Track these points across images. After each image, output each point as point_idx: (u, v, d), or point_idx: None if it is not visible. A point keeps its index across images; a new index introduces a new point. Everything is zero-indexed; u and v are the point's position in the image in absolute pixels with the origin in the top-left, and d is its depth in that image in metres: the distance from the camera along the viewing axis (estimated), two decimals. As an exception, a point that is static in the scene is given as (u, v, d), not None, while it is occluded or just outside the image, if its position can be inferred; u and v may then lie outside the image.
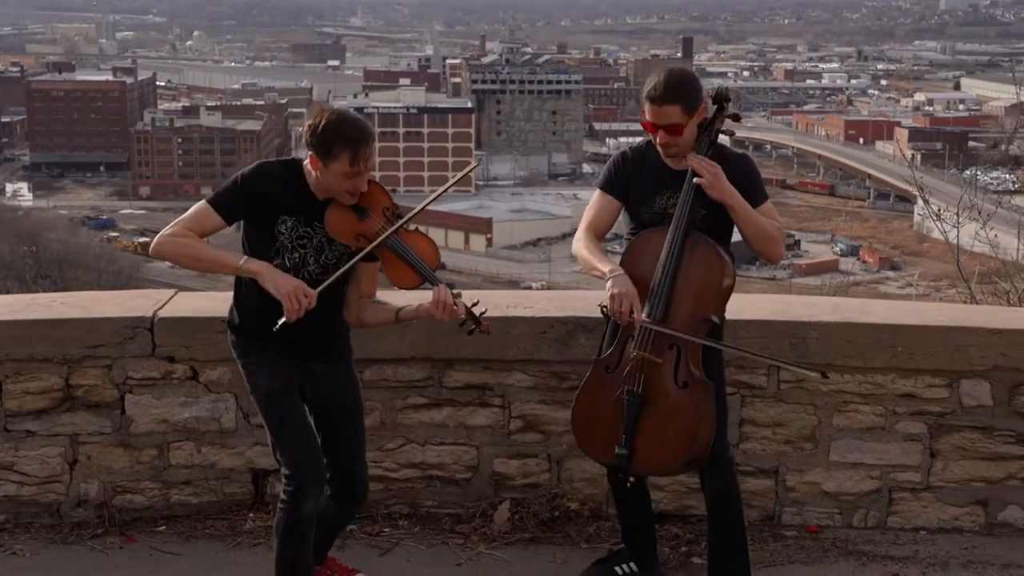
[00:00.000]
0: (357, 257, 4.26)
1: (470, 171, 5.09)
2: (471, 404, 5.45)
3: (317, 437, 4.41)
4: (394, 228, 4.25)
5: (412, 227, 4.35)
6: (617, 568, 4.90)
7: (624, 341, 4.53)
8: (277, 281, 4.19)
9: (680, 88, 4.45)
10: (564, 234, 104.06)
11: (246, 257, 4.28)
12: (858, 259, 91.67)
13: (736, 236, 4.61)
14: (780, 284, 71.33)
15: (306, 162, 4.31)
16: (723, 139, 4.61)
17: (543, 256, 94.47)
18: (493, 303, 5.59)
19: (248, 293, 4.39)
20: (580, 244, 4.70)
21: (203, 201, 4.33)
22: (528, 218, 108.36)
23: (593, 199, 4.75)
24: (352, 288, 4.45)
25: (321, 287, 4.22)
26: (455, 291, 4.28)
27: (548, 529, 5.36)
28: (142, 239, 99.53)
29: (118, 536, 5.33)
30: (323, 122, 4.18)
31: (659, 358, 4.43)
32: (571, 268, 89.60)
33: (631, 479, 4.59)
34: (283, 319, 4.17)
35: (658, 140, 4.52)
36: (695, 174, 4.46)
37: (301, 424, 4.36)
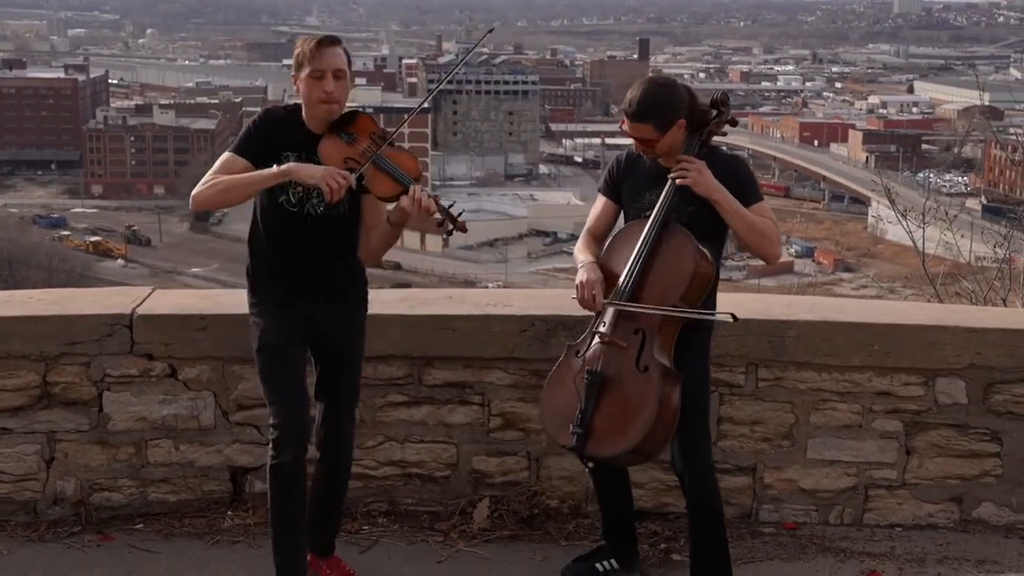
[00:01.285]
0: (360, 169, 4.39)
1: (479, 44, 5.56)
2: (451, 402, 5.45)
3: (304, 390, 4.56)
4: (383, 146, 4.44)
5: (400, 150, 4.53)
6: (598, 565, 4.92)
7: (595, 328, 4.55)
8: (309, 170, 4.35)
9: (652, 108, 4.46)
10: (521, 235, 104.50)
11: (275, 166, 4.41)
12: (813, 260, 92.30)
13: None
14: (736, 285, 71.62)
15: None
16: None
17: (500, 256, 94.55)
18: (472, 301, 5.64)
19: (258, 234, 4.58)
20: (576, 246, 4.77)
21: (225, 152, 4.55)
22: (485, 218, 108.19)
23: (595, 203, 4.82)
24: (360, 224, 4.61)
25: (354, 174, 4.37)
26: (433, 194, 4.38)
27: (528, 527, 5.37)
28: (94, 238, 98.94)
29: (95, 534, 5.29)
30: (299, 42, 4.54)
31: (624, 342, 4.44)
32: (527, 269, 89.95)
33: (589, 463, 4.58)
34: (326, 202, 4.37)
35: (634, 148, 4.61)
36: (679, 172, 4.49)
37: (288, 378, 4.52)
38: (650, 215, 4.52)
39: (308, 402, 4.58)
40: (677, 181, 4.47)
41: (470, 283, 79.14)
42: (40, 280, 62.50)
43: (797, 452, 5.44)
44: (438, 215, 4.38)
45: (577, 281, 4.56)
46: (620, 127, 4.62)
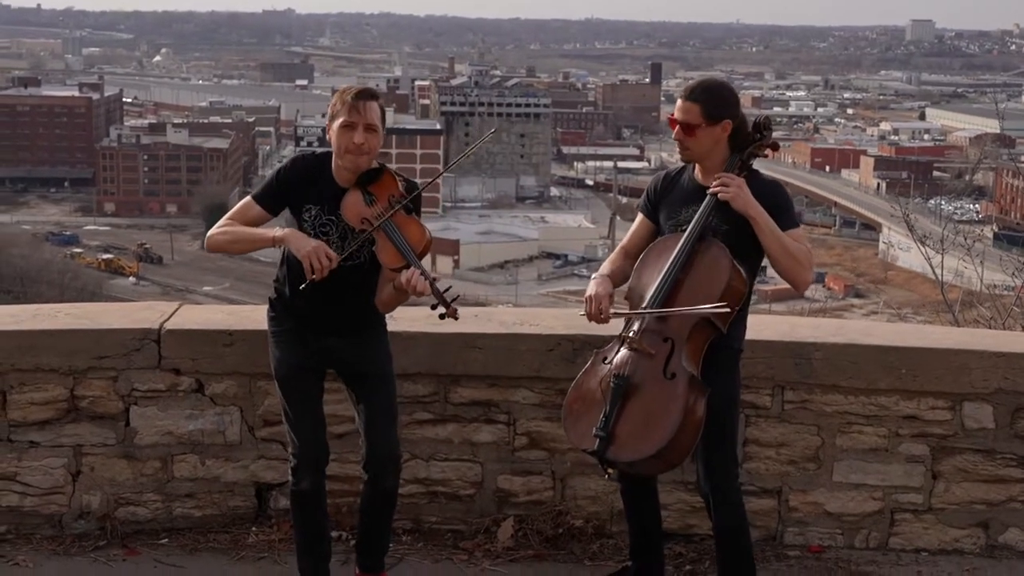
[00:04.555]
0: (361, 240, 4.47)
1: (481, 143, 5.83)
2: (476, 420, 5.45)
3: (320, 418, 4.72)
4: (390, 213, 4.47)
5: (417, 215, 4.59)
6: (624, 585, 4.91)
7: (624, 335, 4.55)
8: (298, 243, 4.46)
9: (707, 92, 4.53)
10: (531, 256, 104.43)
11: (277, 228, 4.56)
12: (823, 286, 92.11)
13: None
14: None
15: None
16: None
17: (510, 278, 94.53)
18: (499, 320, 5.64)
19: (283, 268, 4.68)
20: (605, 261, 4.77)
21: (248, 196, 4.68)
22: (495, 240, 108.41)
23: (634, 221, 4.85)
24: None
25: (344, 255, 4.46)
26: (434, 276, 4.40)
27: (552, 546, 5.37)
28: (106, 256, 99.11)
29: (120, 548, 5.30)
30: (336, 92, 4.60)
31: (652, 349, 4.44)
32: (538, 291, 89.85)
33: (609, 470, 4.54)
34: (307, 281, 4.42)
35: (674, 135, 4.61)
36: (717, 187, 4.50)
37: (303, 405, 4.68)
38: (686, 229, 4.54)
39: (324, 429, 4.74)
40: (718, 195, 4.48)
41: (480, 304, 79.09)
42: (52, 297, 62.37)
43: (823, 475, 5.43)
44: (432, 298, 4.42)
45: (585, 295, 4.59)
46: (669, 120, 4.65)
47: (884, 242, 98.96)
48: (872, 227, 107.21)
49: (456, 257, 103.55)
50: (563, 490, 5.49)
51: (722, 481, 4.62)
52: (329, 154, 4.60)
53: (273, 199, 4.61)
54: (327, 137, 4.58)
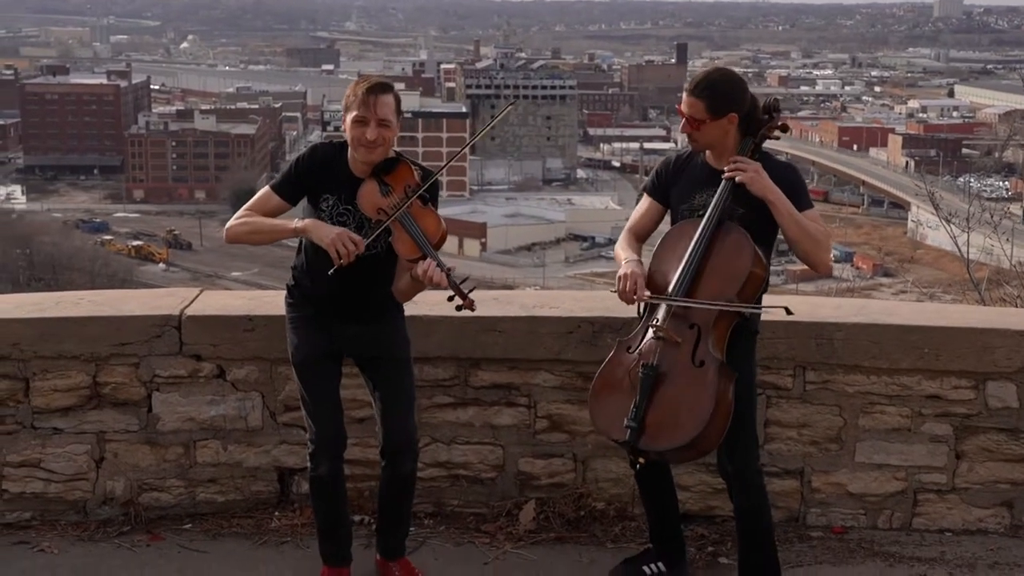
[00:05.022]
0: (378, 231, 4.45)
1: (503, 115, 5.67)
2: (497, 404, 5.45)
3: (337, 404, 4.71)
4: (405, 204, 4.46)
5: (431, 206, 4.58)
6: (645, 568, 4.89)
7: (648, 323, 4.54)
8: (321, 232, 4.45)
9: (710, 88, 4.49)
10: (558, 239, 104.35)
11: (297, 219, 4.55)
12: (852, 265, 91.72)
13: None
14: (774, 289, 71.22)
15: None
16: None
17: (537, 261, 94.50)
18: (519, 303, 5.63)
19: (301, 256, 4.68)
20: (617, 244, 4.77)
21: (266, 186, 4.66)
22: (522, 223, 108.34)
23: (639, 203, 4.82)
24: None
25: (369, 239, 4.44)
26: (449, 267, 4.39)
27: (574, 529, 5.37)
28: (136, 242, 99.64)
29: (144, 534, 5.32)
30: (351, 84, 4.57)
31: (679, 337, 4.42)
32: (565, 273, 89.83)
33: (640, 460, 4.51)
34: (335, 267, 4.40)
35: (682, 128, 4.58)
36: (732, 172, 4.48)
37: (320, 391, 4.68)
38: (702, 215, 4.51)
39: (341, 415, 4.74)
40: (736, 179, 4.45)
41: (508, 287, 79.11)
42: (83, 284, 62.87)
43: (845, 456, 5.40)
44: (449, 289, 4.40)
45: (619, 274, 4.55)
46: (677, 109, 4.63)
47: (913, 221, 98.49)
48: (901, 206, 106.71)
49: (483, 240, 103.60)
50: (584, 472, 5.49)
51: (743, 462, 4.61)
52: (346, 143, 4.58)
53: (292, 189, 4.60)
54: (342, 128, 4.57)
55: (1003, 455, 5.35)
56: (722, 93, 4.50)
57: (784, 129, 4.65)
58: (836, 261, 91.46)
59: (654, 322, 4.49)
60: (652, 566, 4.90)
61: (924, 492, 5.42)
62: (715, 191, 4.51)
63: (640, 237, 4.76)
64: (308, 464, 4.71)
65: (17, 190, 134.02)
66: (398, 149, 4.62)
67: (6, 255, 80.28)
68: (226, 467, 5.46)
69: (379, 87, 4.49)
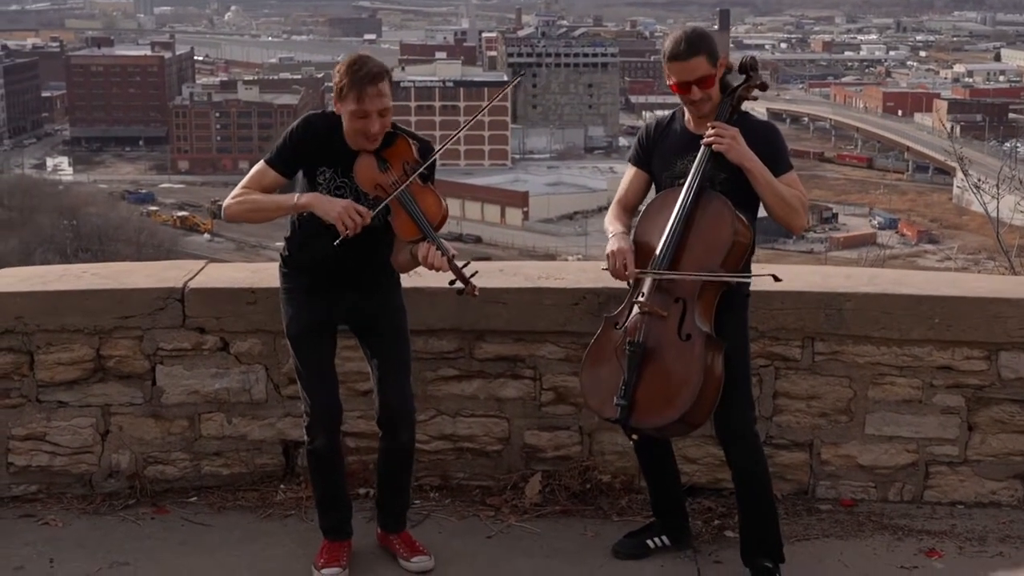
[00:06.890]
0: (378, 207, 4.38)
1: (496, 100, 5.60)
2: (502, 376, 5.41)
3: (332, 376, 4.67)
4: (405, 183, 4.39)
5: (430, 183, 4.53)
6: (649, 541, 4.86)
7: (633, 299, 4.49)
8: (326, 206, 4.37)
9: (701, 40, 4.44)
10: (600, 207, 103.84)
11: (299, 194, 4.49)
12: (896, 232, 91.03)
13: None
14: (817, 257, 70.90)
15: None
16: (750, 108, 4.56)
17: (579, 230, 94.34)
18: (524, 274, 5.58)
19: (297, 229, 4.60)
20: (606, 217, 4.73)
21: (260, 160, 4.56)
22: (564, 192, 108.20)
23: (625, 173, 4.76)
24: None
25: (375, 211, 4.37)
26: (452, 252, 4.34)
27: (580, 502, 5.33)
28: (181, 213, 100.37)
29: (150, 507, 5.33)
30: (341, 65, 4.41)
31: (664, 311, 4.37)
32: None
33: (633, 435, 4.51)
34: (340, 238, 4.33)
35: (691, 97, 4.47)
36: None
37: (316, 363, 4.63)
38: (683, 183, 4.45)
39: (336, 387, 4.69)
40: (713, 147, 4.39)
41: (550, 256, 79.06)
42: (129, 255, 63.45)
43: (855, 428, 5.33)
44: (450, 273, 4.34)
45: (607, 251, 4.51)
46: (668, 84, 4.53)
47: (958, 187, 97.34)
48: (946, 171, 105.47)
49: (525, 209, 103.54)
50: (590, 445, 5.44)
51: (739, 423, 4.55)
52: (337, 115, 4.49)
53: (288, 162, 4.50)
54: (334, 107, 4.46)
55: (1016, 427, 5.26)
56: (708, 40, 4.47)
57: (763, 88, 4.58)
58: (880, 228, 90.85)
59: (639, 297, 4.43)
60: (656, 539, 4.87)
61: (936, 464, 5.33)
62: (695, 156, 4.45)
63: (628, 208, 4.71)
64: (305, 439, 4.68)
65: (64, 162, 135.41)
66: (393, 119, 4.54)
67: (54, 226, 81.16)
68: (231, 440, 5.45)
69: (374, 77, 4.34)
